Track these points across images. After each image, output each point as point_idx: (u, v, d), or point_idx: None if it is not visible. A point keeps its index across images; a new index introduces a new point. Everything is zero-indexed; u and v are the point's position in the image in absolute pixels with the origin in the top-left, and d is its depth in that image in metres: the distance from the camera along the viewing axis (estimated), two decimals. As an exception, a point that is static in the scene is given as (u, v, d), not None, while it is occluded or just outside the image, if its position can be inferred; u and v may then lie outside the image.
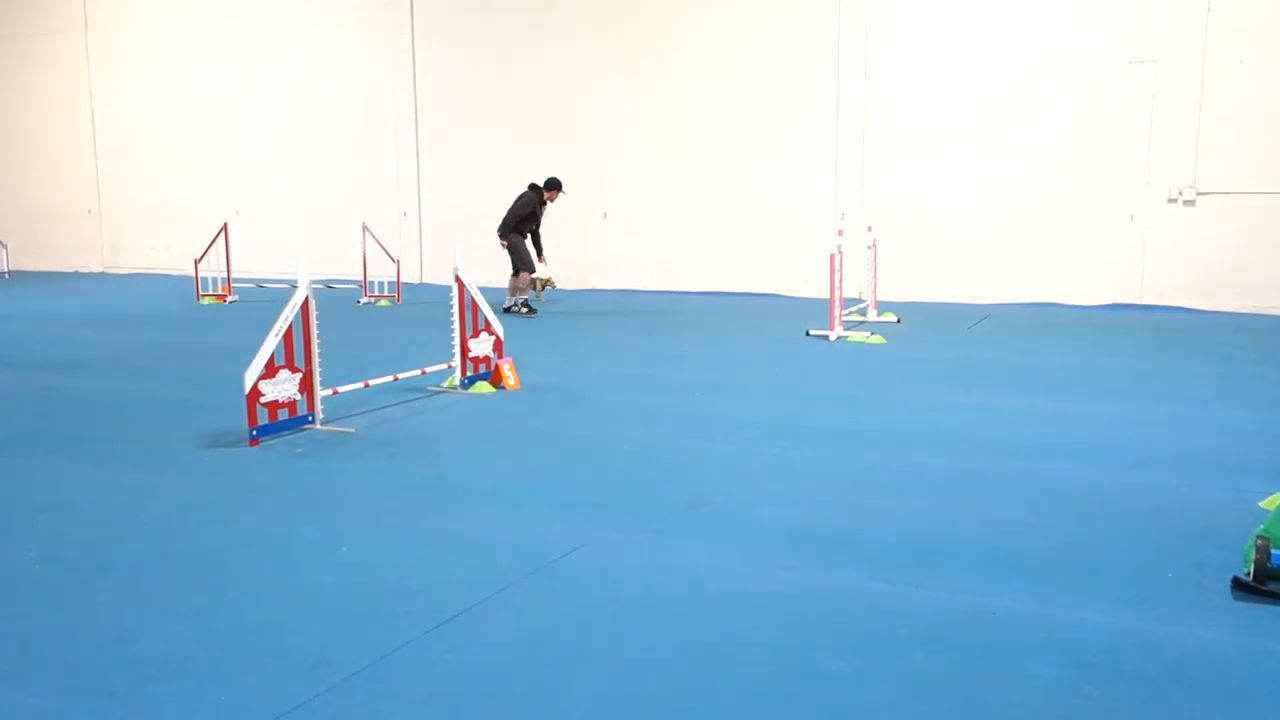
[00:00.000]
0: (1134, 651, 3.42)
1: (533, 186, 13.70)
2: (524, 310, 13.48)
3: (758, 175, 15.81)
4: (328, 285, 16.84)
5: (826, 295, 11.20)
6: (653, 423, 6.97)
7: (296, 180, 19.37)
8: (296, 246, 18.81)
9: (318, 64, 18.96)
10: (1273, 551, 3.91)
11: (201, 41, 19.99)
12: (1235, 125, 13.19)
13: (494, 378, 8.19)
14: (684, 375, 8.80)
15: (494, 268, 17.03)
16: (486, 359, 8.21)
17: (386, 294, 15.51)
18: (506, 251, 13.65)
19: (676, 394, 7.97)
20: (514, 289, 13.61)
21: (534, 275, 13.84)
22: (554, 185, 13.77)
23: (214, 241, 15.87)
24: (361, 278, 15.69)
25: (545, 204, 13.76)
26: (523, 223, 13.58)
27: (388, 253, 15.79)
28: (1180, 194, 13.54)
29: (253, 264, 19.36)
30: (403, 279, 16.36)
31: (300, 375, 6.63)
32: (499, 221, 13.77)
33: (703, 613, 3.78)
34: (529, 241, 13.77)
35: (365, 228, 15.64)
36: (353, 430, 6.73)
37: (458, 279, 7.96)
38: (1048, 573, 4.14)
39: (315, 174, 19.18)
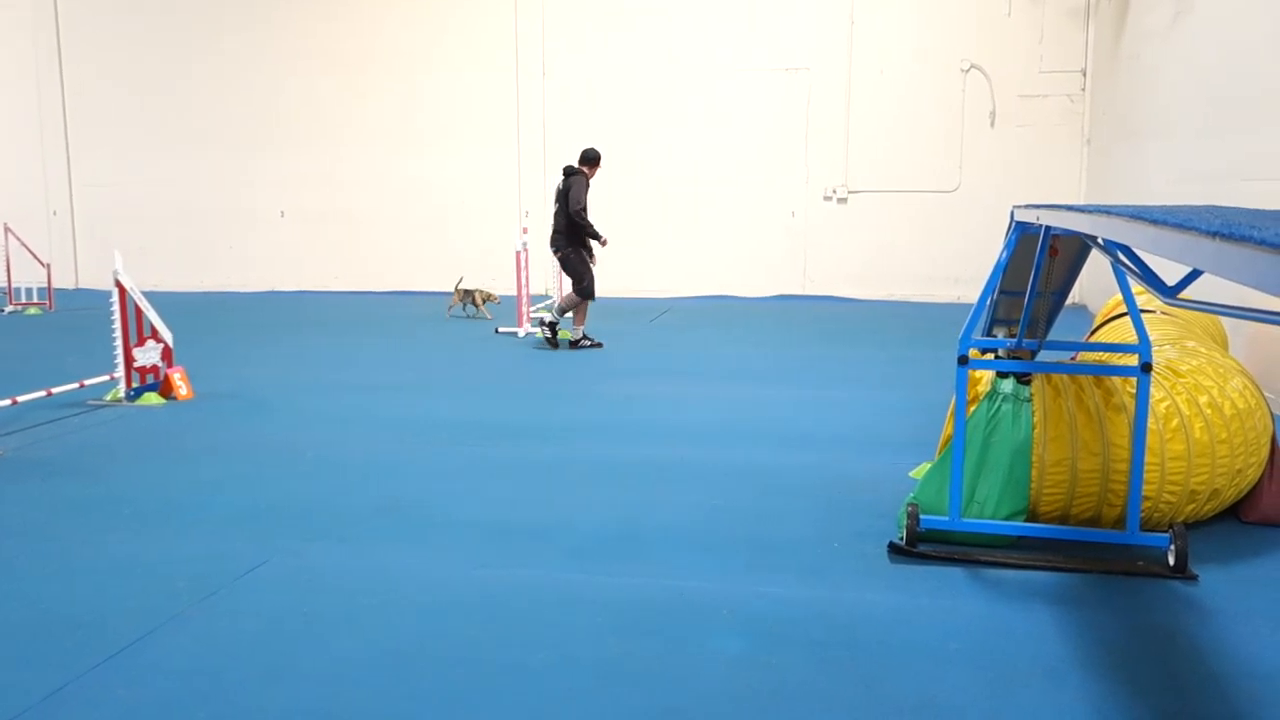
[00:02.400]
0: (808, 619, 3.68)
1: (571, 171, 10.06)
2: (588, 342, 10.18)
3: (443, 173, 15.68)
4: (-37, 293, 15.13)
5: (514, 292, 11.26)
6: (340, 427, 6.75)
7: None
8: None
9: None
10: (921, 517, 4.32)
11: None
12: (877, 129, 14.45)
13: (164, 388, 7.66)
14: (372, 377, 8.59)
15: (160, 271, 15.94)
16: (154, 368, 7.66)
17: (36, 301, 14.12)
18: (560, 266, 10.24)
19: (364, 397, 7.76)
20: (580, 314, 10.17)
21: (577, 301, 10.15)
22: (596, 159, 10.18)
23: None
24: (5, 284, 14.18)
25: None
26: (584, 222, 9.87)
27: (36, 256, 14.38)
28: (834, 192, 14.68)
29: None
30: (55, 284, 14.95)
31: (-69, 394, 5.91)
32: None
33: (399, 618, 3.70)
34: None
35: (7, 228, 14.17)
36: (1, 452, 6.08)
37: (118, 283, 7.37)
38: (732, 552, 4.37)
39: (-57, 169, 17.17)
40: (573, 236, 9.91)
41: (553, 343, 10.10)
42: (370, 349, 10.25)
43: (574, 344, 10.12)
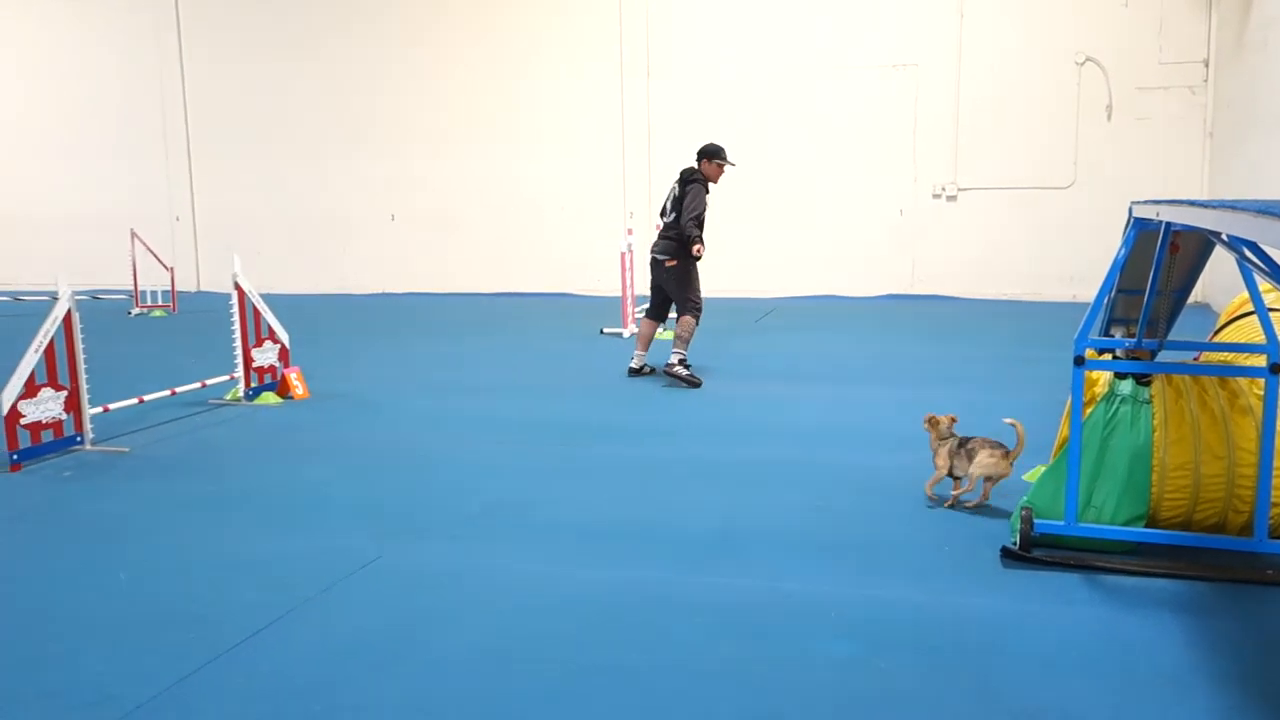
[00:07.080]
0: (918, 623, 3.61)
1: (689, 174, 8.58)
2: (685, 376, 8.12)
3: (547, 176, 15.83)
4: (94, 296, 15.79)
5: (619, 293, 11.31)
6: (447, 428, 6.87)
7: (55, 184, 18.07)
8: (58, 255, 17.57)
9: (75, 60, 17.75)
10: (1036, 521, 4.20)
11: (-61, 35, 18.40)
12: (988, 125, 14.12)
13: (281, 388, 7.89)
14: (477, 379, 8.71)
15: (276, 274, 16.43)
16: (272, 368, 7.90)
17: (161, 304, 14.68)
18: (673, 280, 8.47)
19: (470, 398, 7.88)
20: (681, 337, 8.24)
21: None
22: (713, 154, 8.50)
23: (-39, 252, 14.62)
24: (132, 287, 14.79)
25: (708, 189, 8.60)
26: (700, 230, 8.46)
27: (160, 260, 14.96)
28: (944, 190, 14.39)
29: (8, 275, 17.99)
30: (178, 287, 15.52)
31: (65, 393, 6.19)
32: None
33: (503, 616, 3.74)
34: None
35: (134, 234, 14.76)
36: (127, 449, 6.34)
37: (237, 286, 7.62)
38: (836, 554, 4.31)
39: (76, 177, 17.95)
40: (690, 240, 8.39)
41: (692, 380, 8.08)
42: (477, 350, 10.41)
43: (671, 369, 8.20)
